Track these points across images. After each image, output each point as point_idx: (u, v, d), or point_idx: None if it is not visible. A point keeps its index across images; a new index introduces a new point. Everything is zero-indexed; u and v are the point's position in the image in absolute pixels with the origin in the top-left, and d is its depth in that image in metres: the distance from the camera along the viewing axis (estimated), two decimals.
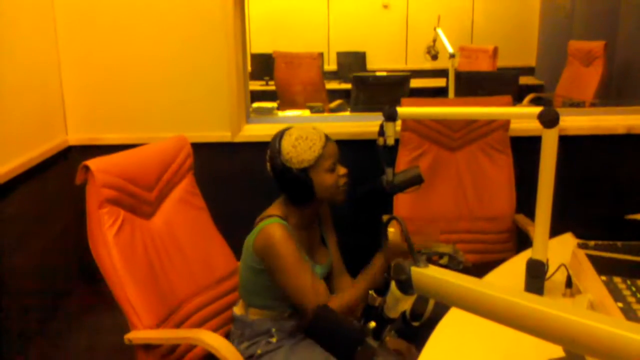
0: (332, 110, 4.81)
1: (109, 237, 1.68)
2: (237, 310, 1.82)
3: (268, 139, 2.66)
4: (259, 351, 1.73)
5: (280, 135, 1.70)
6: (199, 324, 1.90)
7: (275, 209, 1.73)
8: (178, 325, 1.83)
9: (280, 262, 1.64)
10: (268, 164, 1.70)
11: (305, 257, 1.72)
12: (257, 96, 4.54)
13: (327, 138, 1.70)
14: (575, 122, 2.78)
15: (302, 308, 1.67)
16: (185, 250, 1.94)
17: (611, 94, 4.39)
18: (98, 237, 1.69)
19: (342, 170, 1.71)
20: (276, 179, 1.69)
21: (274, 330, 1.73)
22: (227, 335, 1.86)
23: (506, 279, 1.72)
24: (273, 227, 1.65)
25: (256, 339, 1.75)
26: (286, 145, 1.66)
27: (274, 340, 1.73)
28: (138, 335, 1.65)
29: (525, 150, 2.36)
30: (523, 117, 2.52)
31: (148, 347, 1.69)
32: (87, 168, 1.69)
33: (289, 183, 1.67)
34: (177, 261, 1.90)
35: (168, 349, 1.75)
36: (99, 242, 1.68)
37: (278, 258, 1.64)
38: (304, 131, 1.68)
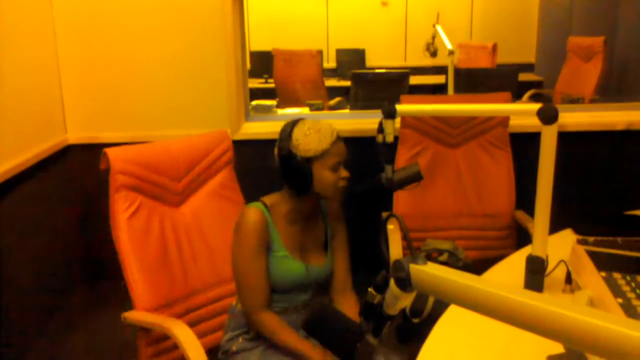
0: (332, 108, 4.80)
1: (122, 220, 1.79)
2: (234, 300, 1.82)
3: (267, 137, 2.68)
4: (234, 348, 1.73)
5: (294, 122, 1.71)
6: (210, 317, 1.94)
7: (268, 196, 1.75)
8: (184, 313, 1.86)
9: (237, 245, 1.68)
10: (276, 148, 1.71)
11: (280, 251, 1.70)
12: (256, 94, 4.53)
13: (339, 137, 1.70)
14: (574, 118, 2.78)
15: (238, 296, 1.74)
16: (210, 241, 1.99)
17: (611, 90, 4.39)
18: (113, 219, 1.80)
19: (344, 172, 1.71)
20: (279, 163, 1.70)
21: None
22: None
23: (506, 276, 1.72)
24: (249, 210, 1.69)
25: (236, 331, 1.74)
26: (297, 132, 1.67)
27: (249, 337, 1.72)
28: (132, 315, 1.72)
29: (524, 146, 2.36)
30: (522, 113, 2.52)
31: (143, 330, 1.74)
32: (107, 155, 1.80)
33: (290, 170, 1.67)
34: (198, 251, 1.95)
35: (162, 335, 1.77)
36: (114, 224, 1.79)
37: (238, 240, 1.68)
38: (318, 124, 1.69)
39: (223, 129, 2.15)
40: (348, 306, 1.80)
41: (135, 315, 1.73)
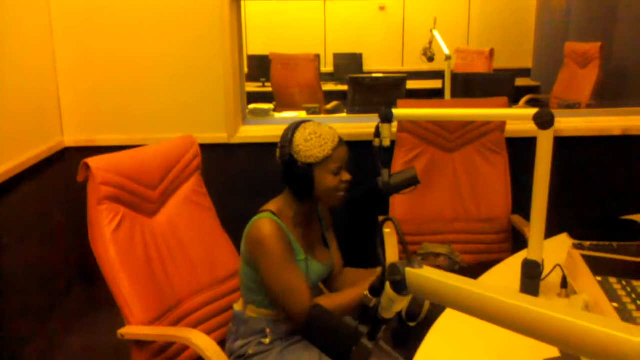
0: (329, 112, 4.81)
1: (107, 234, 1.71)
2: (237, 306, 1.82)
3: (264, 140, 2.68)
4: (250, 351, 1.73)
5: (295, 126, 1.69)
6: (199, 323, 1.91)
7: (272, 203, 1.74)
8: (176, 322, 1.83)
9: (265, 258, 1.65)
10: (277, 151, 1.71)
11: (300, 255, 1.72)
12: (253, 98, 4.54)
13: (341, 141, 1.70)
14: (571, 123, 2.79)
15: (283, 306, 1.69)
16: (188, 248, 1.96)
17: (607, 95, 4.40)
18: (97, 233, 1.72)
19: (345, 176, 1.71)
20: (281, 168, 1.70)
21: (268, 330, 1.73)
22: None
23: (502, 280, 1.73)
24: (262, 221, 1.66)
25: (250, 338, 1.75)
26: (298, 137, 1.66)
27: (266, 341, 1.72)
28: (130, 330, 1.68)
29: (521, 151, 2.36)
30: (519, 118, 2.51)
31: (141, 344, 1.70)
32: (87, 166, 1.72)
33: (292, 175, 1.67)
34: (179, 259, 1.92)
35: (162, 346, 1.75)
36: (97, 238, 1.71)
37: (263, 253, 1.65)
38: (320, 128, 1.68)
39: (190, 134, 2.11)
40: (354, 274, 1.91)
41: (135, 330, 1.67)
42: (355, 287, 1.70)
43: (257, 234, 1.65)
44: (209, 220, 2.08)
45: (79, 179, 1.73)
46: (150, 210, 1.90)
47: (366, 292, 0.94)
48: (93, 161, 1.73)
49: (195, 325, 1.89)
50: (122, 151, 1.88)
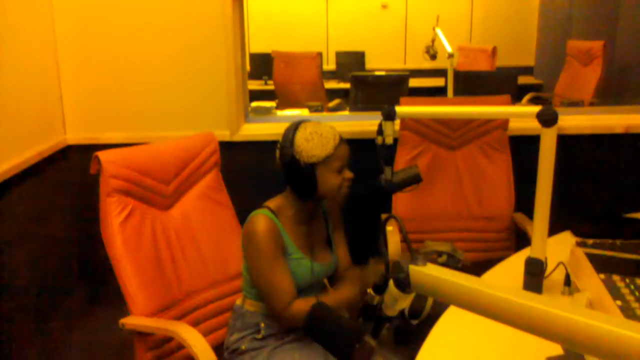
0: (331, 110, 4.81)
1: (115, 225, 1.76)
2: (238, 300, 1.83)
3: (267, 138, 2.68)
4: (243, 347, 1.73)
5: (295, 126, 1.69)
6: (206, 318, 1.93)
7: (273, 200, 1.75)
8: (181, 316, 1.85)
9: (252, 252, 1.67)
10: (277, 152, 1.70)
11: (295, 254, 1.71)
12: (255, 95, 4.53)
13: (342, 139, 1.70)
14: (574, 121, 2.78)
15: (266, 302, 1.71)
16: (200, 244, 1.98)
17: (610, 93, 4.39)
18: (105, 224, 1.76)
19: (348, 174, 1.71)
20: (283, 168, 1.70)
21: (262, 325, 1.73)
22: None
23: (505, 278, 1.73)
24: (257, 217, 1.67)
25: (244, 332, 1.75)
26: (299, 137, 1.66)
27: (259, 336, 1.72)
28: (130, 321, 1.71)
29: (524, 149, 2.36)
30: (522, 116, 2.52)
31: (142, 335, 1.72)
32: (98, 159, 1.76)
33: (294, 175, 1.67)
34: (189, 254, 1.94)
35: (162, 339, 1.77)
36: (106, 229, 1.76)
37: (252, 248, 1.67)
38: (320, 127, 1.68)
39: (209, 131, 2.13)
40: (356, 273, 1.89)
41: (135, 321, 1.70)
42: (340, 292, 1.73)
43: (249, 229, 1.67)
44: (225, 217, 2.09)
45: (91, 171, 1.78)
46: (163, 204, 1.93)
47: (369, 290, 0.94)
48: (104, 154, 1.78)
49: (201, 321, 1.90)
50: (135, 146, 1.93)
